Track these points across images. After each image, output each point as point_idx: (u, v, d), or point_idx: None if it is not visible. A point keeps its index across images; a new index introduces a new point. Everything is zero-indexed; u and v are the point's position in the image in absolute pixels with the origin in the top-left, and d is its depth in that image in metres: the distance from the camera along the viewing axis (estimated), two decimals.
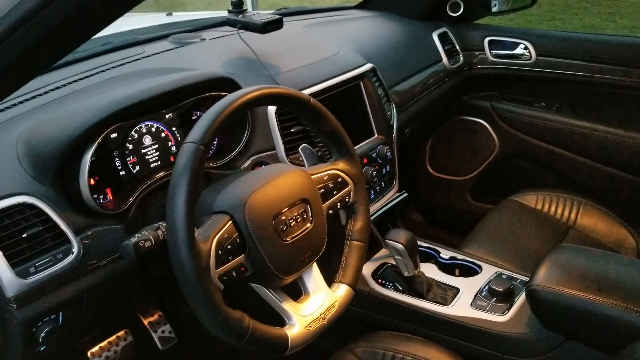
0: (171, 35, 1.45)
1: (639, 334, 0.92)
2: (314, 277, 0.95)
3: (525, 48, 1.80)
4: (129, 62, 1.25)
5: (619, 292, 0.98)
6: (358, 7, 2.00)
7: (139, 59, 1.27)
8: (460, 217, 2.07)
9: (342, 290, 0.96)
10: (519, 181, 1.94)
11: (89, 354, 1.35)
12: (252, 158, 1.14)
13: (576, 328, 1.02)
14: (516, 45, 1.82)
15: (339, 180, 0.99)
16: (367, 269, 1.31)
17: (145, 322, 1.50)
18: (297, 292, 0.94)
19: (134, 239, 0.83)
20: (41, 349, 0.89)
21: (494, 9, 1.89)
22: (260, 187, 0.86)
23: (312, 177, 0.94)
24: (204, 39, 1.44)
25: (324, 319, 0.91)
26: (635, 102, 1.70)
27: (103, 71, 1.19)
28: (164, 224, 0.88)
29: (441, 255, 1.35)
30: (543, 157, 1.87)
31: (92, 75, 1.17)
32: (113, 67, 1.21)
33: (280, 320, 0.89)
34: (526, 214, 1.59)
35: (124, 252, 0.83)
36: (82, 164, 0.89)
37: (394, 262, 1.29)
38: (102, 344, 1.38)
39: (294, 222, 0.87)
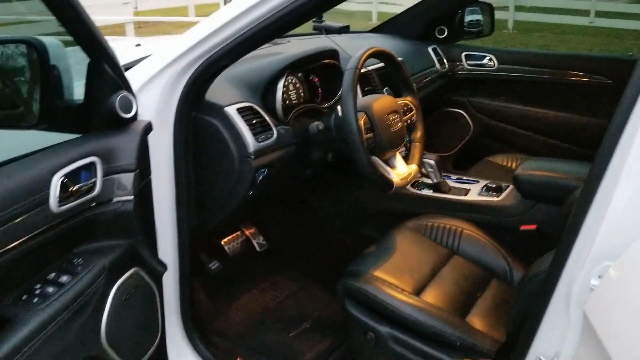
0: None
1: (573, 188, 1.67)
2: (397, 158, 1.65)
3: (490, 59, 2.64)
4: None
5: (568, 172, 1.74)
6: (371, 31, 2.79)
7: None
8: None
9: (413, 167, 1.67)
10: (485, 153, 2.73)
11: (222, 242, 1.98)
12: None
13: (542, 193, 1.77)
14: (484, 57, 2.66)
15: (408, 106, 1.72)
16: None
17: (247, 232, 2.13)
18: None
19: (314, 125, 1.52)
20: (250, 192, 1.53)
21: (466, 36, 2.75)
22: (377, 100, 1.57)
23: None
24: (289, 41, 2.16)
25: (407, 178, 1.61)
26: (561, 93, 2.56)
27: None
28: (319, 124, 1.57)
29: (451, 177, 2.09)
30: (504, 134, 2.68)
31: None
32: None
33: None
34: (497, 168, 2.38)
35: (311, 130, 1.53)
36: (278, 88, 1.57)
37: (419, 179, 2.01)
38: (229, 237, 2.01)
39: (393, 121, 1.59)
